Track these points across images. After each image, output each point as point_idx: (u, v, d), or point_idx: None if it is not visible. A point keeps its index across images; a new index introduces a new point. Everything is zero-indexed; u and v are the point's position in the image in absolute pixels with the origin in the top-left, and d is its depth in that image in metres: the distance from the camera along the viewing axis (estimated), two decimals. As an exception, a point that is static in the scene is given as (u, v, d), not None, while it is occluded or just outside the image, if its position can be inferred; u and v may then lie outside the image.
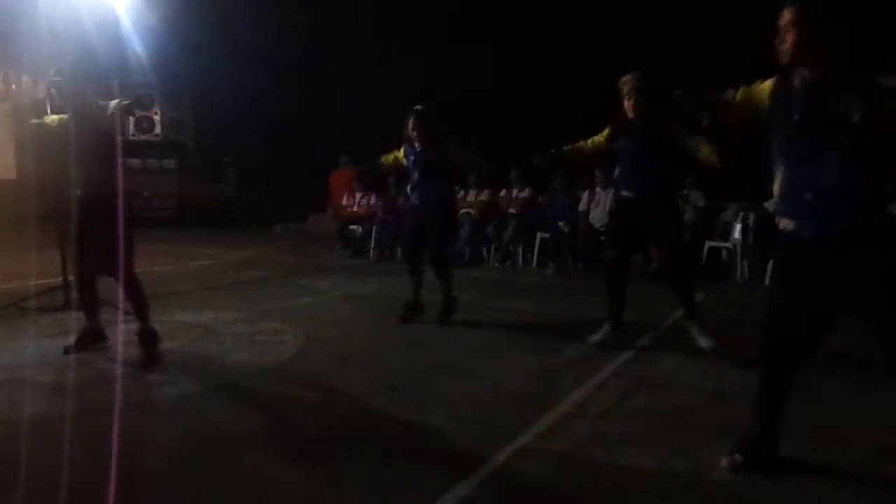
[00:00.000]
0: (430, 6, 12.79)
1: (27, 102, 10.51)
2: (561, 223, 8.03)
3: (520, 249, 8.43)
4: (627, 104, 3.94)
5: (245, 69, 13.10)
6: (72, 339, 4.01)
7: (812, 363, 2.41)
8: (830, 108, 2.08)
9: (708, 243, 7.30)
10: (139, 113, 11.60)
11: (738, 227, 7.09)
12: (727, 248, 7.25)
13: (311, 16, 13.37)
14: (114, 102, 3.66)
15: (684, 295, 4.04)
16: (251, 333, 4.56)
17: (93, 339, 4.02)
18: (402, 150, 4.99)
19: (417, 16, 12.91)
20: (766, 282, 6.61)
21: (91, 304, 3.99)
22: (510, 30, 12.18)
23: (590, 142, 4.26)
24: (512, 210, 8.61)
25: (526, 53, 11.89)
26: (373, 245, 9.31)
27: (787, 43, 2.16)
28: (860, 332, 2.19)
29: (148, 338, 3.82)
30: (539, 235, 8.19)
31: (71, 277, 4.50)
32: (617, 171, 4.33)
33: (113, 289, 4.05)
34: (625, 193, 4.11)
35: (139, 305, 3.86)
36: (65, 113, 3.84)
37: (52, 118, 3.98)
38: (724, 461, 2.41)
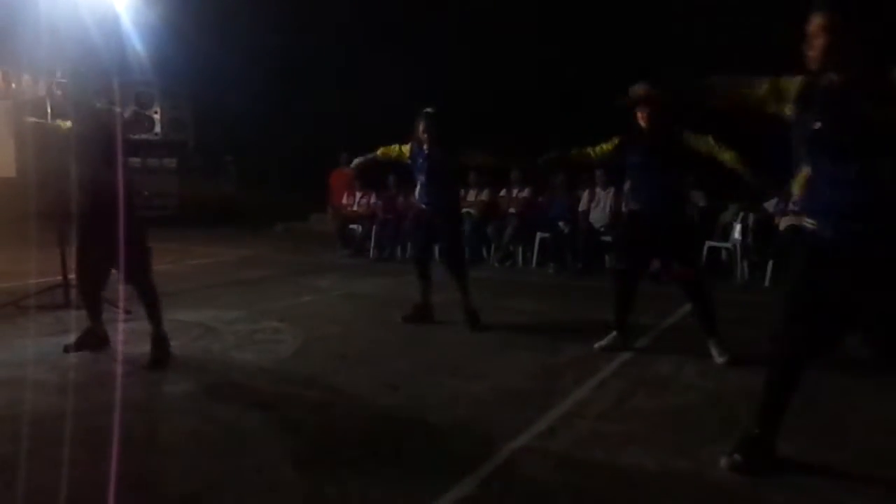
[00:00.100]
0: (431, 5, 12.79)
1: (27, 100, 10.52)
2: (561, 223, 8.03)
3: (520, 249, 8.43)
4: (640, 113, 3.88)
5: (245, 68, 13.10)
6: (72, 338, 4.01)
7: (812, 363, 2.41)
8: (857, 110, 2.08)
9: (708, 243, 7.30)
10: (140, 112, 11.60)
11: (738, 227, 7.10)
12: (727, 248, 7.25)
13: (311, 14, 13.37)
14: (129, 113, 3.66)
15: (705, 312, 3.93)
16: (251, 332, 4.56)
17: (94, 341, 4.01)
18: (408, 146, 4.91)
19: (419, 15, 12.90)
20: (766, 282, 6.64)
21: (94, 307, 3.99)
22: (514, 29, 12.17)
23: (597, 149, 4.19)
24: (512, 210, 8.62)
25: (527, 54, 11.89)
26: (372, 244, 9.31)
27: (815, 49, 2.14)
28: (873, 334, 2.18)
29: (160, 342, 3.81)
30: (539, 235, 8.19)
31: (72, 276, 4.50)
32: (628, 185, 4.28)
33: (113, 288, 4.05)
34: (640, 208, 4.04)
35: (152, 310, 3.84)
36: (70, 115, 3.82)
37: (64, 123, 3.94)
38: (723, 461, 2.41)
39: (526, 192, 8.78)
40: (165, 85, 13.32)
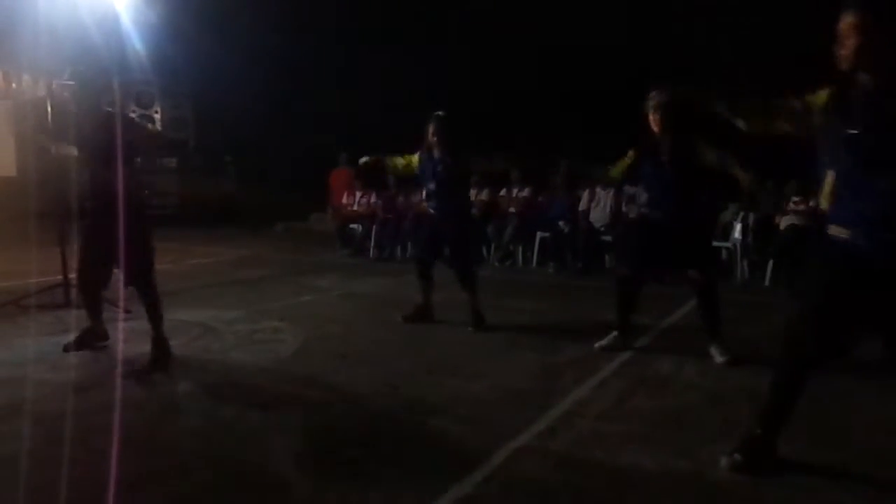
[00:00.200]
0: (431, 5, 12.78)
1: (27, 100, 10.52)
2: (561, 223, 8.03)
3: (520, 249, 8.43)
4: (653, 118, 3.83)
5: (245, 67, 13.10)
6: (72, 337, 4.01)
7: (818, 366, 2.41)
8: (891, 113, 2.05)
9: (708, 243, 7.29)
10: (140, 111, 11.62)
11: (738, 226, 7.10)
12: (727, 248, 7.25)
13: (311, 14, 13.37)
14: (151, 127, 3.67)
15: (712, 315, 3.91)
16: (251, 332, 4.56)
17: (94, 339, 4.01)
18: (416, 157, 4.86)
19: (419, 15, 12.90)
20: (766, 282, 6.64)
21: (94, 306, 3.99)
22: (514, 29, 12.17)
23: (616, 170, 4.13)
24: (512, 210, 8.62)
25: (527, 54, 11.88)
26: (372, 244, 9.31)
27: (847, 48, 2.11)
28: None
29: (160, 343, 3.81)
30: (539, 235, 8.19)
31: (72, 276, 4.50)
32: (645, 195, 4.23)
33: (113, 288, 4.05)
34: (655, 215, 3.97)
35: (153, 310, 3.83)
36: (76, 117, 3.81)
37: (71, 149, 3.96)
38: (723, 461, 2.41)
39: (526, 192, 8.77)
40: (166, 84, 13.32)
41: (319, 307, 5.58)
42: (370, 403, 3.17)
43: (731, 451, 2.42)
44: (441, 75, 11.62)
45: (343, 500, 2.22)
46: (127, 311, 4.57)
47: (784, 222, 6.83)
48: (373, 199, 9.87)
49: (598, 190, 8.12)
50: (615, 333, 4.10)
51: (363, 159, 5.18)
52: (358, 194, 10.17)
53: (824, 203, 2.27)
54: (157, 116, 13.86)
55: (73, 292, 4.64)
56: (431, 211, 4.89)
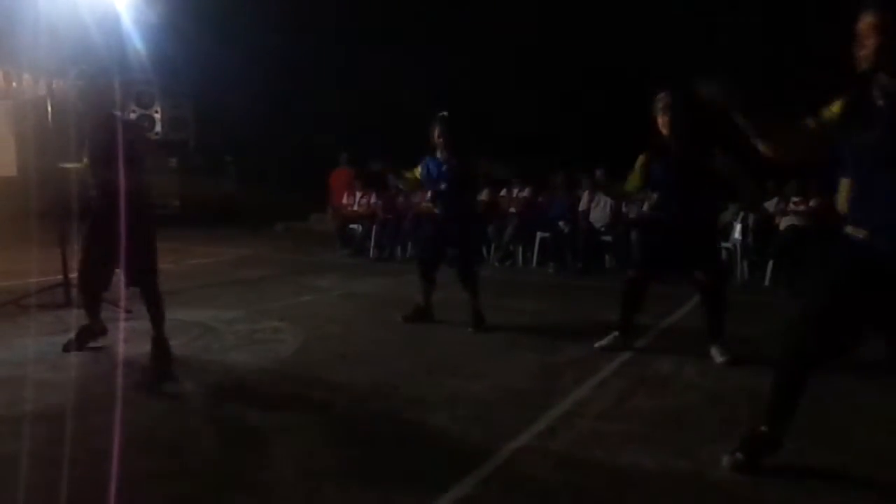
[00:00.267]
0: (431, 5, 12.79)
1: (28, 100, 10.52)
2: (561, 223, 8.03)
3: (520, 249, 8.43)
4: (662, 120, 3.81)
5: (246, 67, 13.11)
6: (72, 336, 4.00)
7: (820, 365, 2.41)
8: None
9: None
10: (140, 111, 11.62)
11: (739, 226, 7.10)
12: (727, 248, 7.25)
13: (311, 14, 13.37)
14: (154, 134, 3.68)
15: (718, 318, 3.90)
16: (251, 332, 4.56)
17: (92, 336, 4.01)
18: (417, 169, 4.85)
19: (418, 15, 12.90)
20: (766, 282, 6.63)
21: (93, 306, 3.99)
22: (514, 29, 12.16)
23: (631, 184, 4.09)
24: (512, 210, 8.62)
25: (527, 54, 11.88)
26: (372, 244, 9.31)
27: (867, 49, 2.09)
28: None
29: (161, 343, 3.80)
30: (539, 235, 8.19)
31: (73, 276, 4.50)
32: (655, 198, 4.21)
33: (114, 288, 4.05)
34: (666, 219, 3.96)
35: (155, 311, 3.83)
36: (85, 117, 3.81)
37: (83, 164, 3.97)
38: (725, 460, 2.41)
39: (526, 192, 8.78)
40: (166, 84, 13.29)
41: (319, 307, 5.58)
42: (370, 403, 3.17)
43: (732, 450, 2.42)
44: (441, 75, 11.63)
45: (343, 499, 2.22)
46: (127, 311, 4.56)
47: (784, 223, 6.84)
48: (373, 200, 9.88)
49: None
50: (615, 333, 4.10)
51: (375, 166, 5.16)
52: (358, 194, 10.17)
53: (842, 207, 2.25)
54: (158, 116, 13.85)
55: (74, 292, 4.64)
56: (437, 212, 4.88)
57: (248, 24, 13.23)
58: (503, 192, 8.96)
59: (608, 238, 7.81)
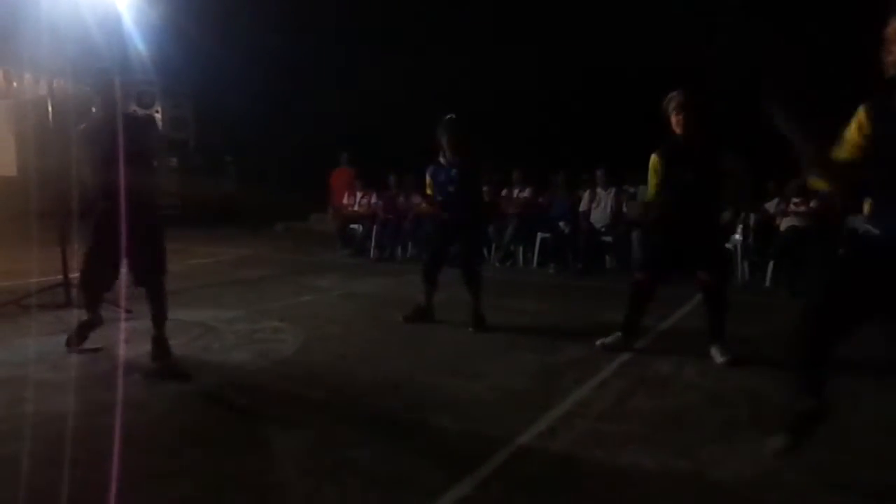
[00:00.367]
0: (431, 5, 12.79)
1: (28, 100, 10.52)
2: (561, 223, 8.03)
3: (520, 249, 8.43)
4: (676, 119, 3.76)
5: (246, 67, 13.11)
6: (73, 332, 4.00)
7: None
8: None
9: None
10: (141, 111, 11.61)
11: (739, 227, 7.09)
12: (727, 248, 7.24)
13: (311, 14, 13.37)
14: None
15: (719, 319, 3.91)
16: (251, 332, 4.56)
17: (90, 328, 4.00)
18: (428, 181, 4.87)
19: (418, 15, 12.90)
20: (767, 282, 6.63)
21: (93, 304, 3.98)
22: (515, 29, 12.16)
23: (650, 193, 4.04)
24: (513, 210, 8.62)
25: (527, 53, 11.87)
26: (373, 244, 9.32)
27: (894, 54, 2.08)
28: None
29: (161, 343, 3.80)
30: (540, 235, 8.20)
31: (73, 276, 4.50)
32: (662, 196, 4.15)
33: (113, 288, 4.05)
34: (675, 218, 3.91)
35: (159, 311, 3.82)
36: (98, 115, 3.81)
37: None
38: (771, 445, 2.35)
39: (527, 193, 8.78)
40: (166, 84, 13.31)
41: (319, 307, 5.58)
42: (370, 402, 3.17)
43: (777, 434, 2.37)
44: (441, 75, 11.63)
45: (343, 499, 2.22)
46: (128, 311, 4.57)
47: (785, 223, 6.84)
48: (373, 200, 9.88)
49: (598, 190, 8.13)
50: (618, 333, 4.10)
51: (422, 206, 5.12)
52: (358, 194, 10.18)
53: (869, 209, 2.24)
54: (158, 116, 13.86)
55: (74, 292, 4.64)
56: (446, 216, 4.86)
57: (248, 24, 13.24)
58: (504, 193, 8.96)
59: (609, 238, 7.81)
